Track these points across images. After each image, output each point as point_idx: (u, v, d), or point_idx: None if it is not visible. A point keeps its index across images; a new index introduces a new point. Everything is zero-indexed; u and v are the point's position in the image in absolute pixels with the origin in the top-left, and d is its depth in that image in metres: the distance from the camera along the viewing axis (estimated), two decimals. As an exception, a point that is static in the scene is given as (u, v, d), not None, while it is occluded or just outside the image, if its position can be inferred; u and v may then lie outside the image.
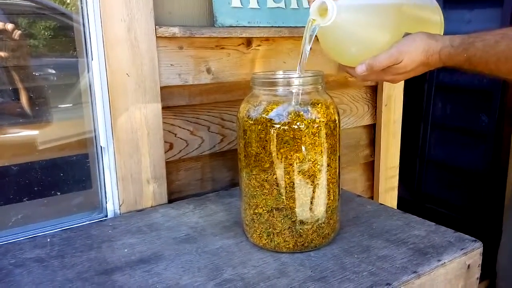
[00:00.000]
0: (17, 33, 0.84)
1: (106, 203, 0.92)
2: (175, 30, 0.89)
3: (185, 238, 0.78)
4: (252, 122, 0.70)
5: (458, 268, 0.71)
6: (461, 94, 2.03)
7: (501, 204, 1.85)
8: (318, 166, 0.69)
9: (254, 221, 0.73)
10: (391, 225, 0.81)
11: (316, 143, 0.68)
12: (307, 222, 0.71)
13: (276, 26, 1.03)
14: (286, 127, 0.67)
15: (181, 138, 0.98)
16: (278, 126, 0.67)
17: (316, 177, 0.69)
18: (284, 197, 0.69)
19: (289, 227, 0.70)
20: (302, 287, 0.62)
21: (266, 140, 0.68)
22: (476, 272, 0.75)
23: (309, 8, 0.68)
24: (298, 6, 1.05)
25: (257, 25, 1.00)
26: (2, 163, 0.86)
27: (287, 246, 0.71)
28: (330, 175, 0.71)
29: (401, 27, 0.70)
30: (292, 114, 0.68)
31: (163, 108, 0.93)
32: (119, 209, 0.91)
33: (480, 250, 0.74)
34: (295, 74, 0.72)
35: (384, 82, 1.25)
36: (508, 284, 1.05)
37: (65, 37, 0.91)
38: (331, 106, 0.72)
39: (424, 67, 0.69)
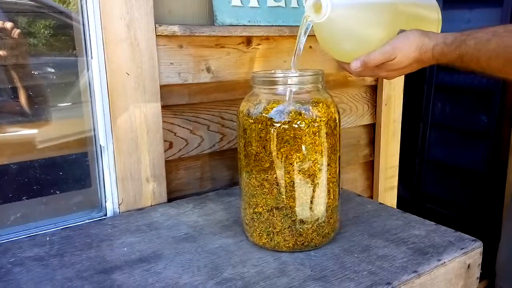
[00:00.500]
0: (16, 32, 0.84)
1: (106, 202, 0.92)
2: (175, 29, 0.89)
3: (184, 237, 0.78)
4: (252, 121, 0.69)
5: (458, 268, 0.71)
6: (461, 94, 2.03)
7: (501, 204, 1.85)
8: (318, 166, 0.69)
9: (254, 220, 0.73)
10: (391, 224, 0.81)
11: (317, 142, 0.68)
12: (307, 221, 0.71)
13: (276, 25, 1.02)
14: (286, 126, 0.67)
15: (180, 137, 0.98)
16: (278, 125, 0.67)
17: (316, 176, 0.69)
18: (284, 196, 0.69)
19: (289, 226, 0.70)
20: (302, 286, 0.62)
21: (266, 139, 0.68)
22: (476, 272, 0.75)
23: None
24: (298, 5, 1.05)
25: (257, 24, 1.00)
26: (1, 161, 0.86)
27: (287, 245, 0.71)
28: (330, 174, 0.71)
29: (396, 24, 0.70)
30: (293, 113, 0.68)
31: (163, 107, 0.92)
32: (119, 208, 0.91)
33: (480, 249, 0.74)
34: (290, 71, 0.72)
35: (384, 81, 1.26)
36: (508, 283, 1.05)
37: (65, 36, 0.90)
38: (332, 105, 0.71)
39: (418, 64, 0.70)
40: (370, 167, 1.35)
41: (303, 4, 1.06)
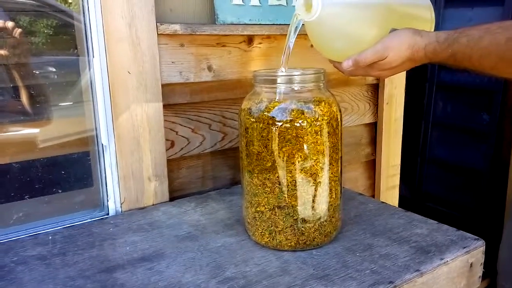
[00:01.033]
0: (17, 31, 0.84)
1: (108, 201, 0.92)
2: (177, 27, 0.89)
3: (186, 236, 0.78)
4: (254, 120, 0.69)
5: (461, 267, 0.71)
6: (462, 93, 2.02)
7: (502, 203, 1.85)
8: (320, 165, 0.69)
9: (256, 219, 0.73)
10: (393, 223, 0.81)
11: (319, 141, 0.68)
12: (309, 220, 0.71)
13: (277, 24, 1.02)
14: (288, 125, 0.67)
15: (182, 136, 0.98)
16: (280, 124, 0.67)
17: (318, 175, 0.69)
18: (286, 195, 0.69)
19: (291, 225, 0.70)
20: (304, 285, 0.62)
21: (268, 138, 0.68)
22: (479, 271, 0.75)
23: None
24: (299, 3, 1.05)
25: (259, 23, 1.00)
26: (4, 161, 0.86)
27: (289, 244, 0.71)
28: (332, 173, 0.71)
29: (388, 23, 0.69)
30: (295, 111, 0.68)
31: (164, 106, 0.92)
32: (121, 207, 0.91)
33: (483, 248, 0.74)
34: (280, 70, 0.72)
35: (386, 80, 1.25)
36: (509, 282, 1.05)
37: (66, 35, 0.90)
38: (333, 104, 0.71)
39: (410, 62, 0.69)
40: (372, 166, 1.35)
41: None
